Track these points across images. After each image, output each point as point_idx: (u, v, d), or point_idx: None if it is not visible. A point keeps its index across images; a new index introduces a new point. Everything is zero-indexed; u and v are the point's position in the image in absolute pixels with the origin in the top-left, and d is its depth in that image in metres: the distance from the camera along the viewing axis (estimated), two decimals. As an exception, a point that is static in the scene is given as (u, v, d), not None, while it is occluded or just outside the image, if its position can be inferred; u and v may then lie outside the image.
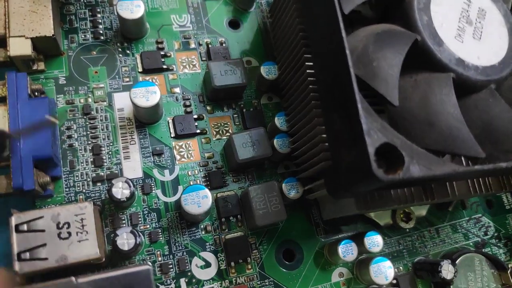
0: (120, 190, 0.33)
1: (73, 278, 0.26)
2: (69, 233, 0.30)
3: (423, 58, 0.31)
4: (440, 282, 0.39)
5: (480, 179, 0.35)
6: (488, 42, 0.32)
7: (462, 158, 0.33)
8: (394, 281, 0.40)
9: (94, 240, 0.31)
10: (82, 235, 0.31)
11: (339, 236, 0.41)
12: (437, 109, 0.30)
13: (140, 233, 0.35)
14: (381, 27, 0.31)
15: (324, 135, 0.32)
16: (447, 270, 0.38)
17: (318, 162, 0.34)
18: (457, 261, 0.40)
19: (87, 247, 0.30)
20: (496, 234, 0.45)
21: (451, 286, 0.39)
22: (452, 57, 0.31)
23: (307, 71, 0.34)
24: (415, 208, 0.42)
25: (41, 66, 0.39)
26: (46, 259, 0.29)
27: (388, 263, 0.38)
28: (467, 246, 0.44)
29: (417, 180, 0.27)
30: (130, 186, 0.34)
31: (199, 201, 0.34)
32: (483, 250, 0.44)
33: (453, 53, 0.31)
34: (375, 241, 0.38)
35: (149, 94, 0.36)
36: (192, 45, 0.44)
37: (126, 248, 0.32)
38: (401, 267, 0.41)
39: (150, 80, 0.41)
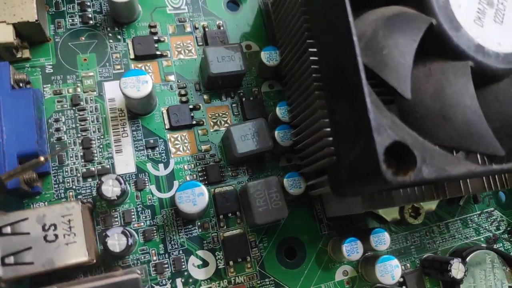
0: (111, 188, 0.31)
1: (54, 287, 0.24)
2: (56, 236, 0.29)
3: (438, 45, 0.28)
4: (450, 281, 0.37)
5: (496, 175, 0.33)
6: (511, 26, 0.29)
7: (478, 155, 0.31)
8: (401, 279, 0.38)
9: (82, 242, 0.29)
10: (70, 238, 0.29)
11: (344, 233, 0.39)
12: (453, 101, 0.27)
13: (132, 233, 0.33)
14: (392, 10, 0.28)
15: (328, 129, 0.30)
16: (457, 269, 0.36)
17: (321, 158, 0.31)
18: (467, 258, 0.38)
19: (75, 250, 0.29)
20: (508, 229, 0.43)
21: (461, 285, 0.37)
22: (470, 43, 0.28)
23: (310, 58, 0.32)
24: (424, 203, 0.40)
25: (26, 54, 0.36)
26: (31, 263, 0.28)
27: (395, 262, 0.36)
28: (478, 241, 0.42)
29: (431, 182, 0.25)
30: (121, 183, 0.32)
31: (195, 198, 0.32)
32: (495, 245, 0.42)
33: (472, 39, 0.28)
34: (381, 238, 0.36)
35: (140, 84, 0.34)
36: (188, 29, 0.41)
37: (117, 249, 0.30)
38: (408, 264, 0.40)
39: (143, 68, 0.38)
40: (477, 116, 0.27)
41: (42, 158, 0.28)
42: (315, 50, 0.31)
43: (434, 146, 0.26)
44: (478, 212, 0.43)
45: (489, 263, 0.39)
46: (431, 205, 0.40)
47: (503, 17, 0.29)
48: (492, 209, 0.43)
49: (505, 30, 0.29)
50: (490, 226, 0.42)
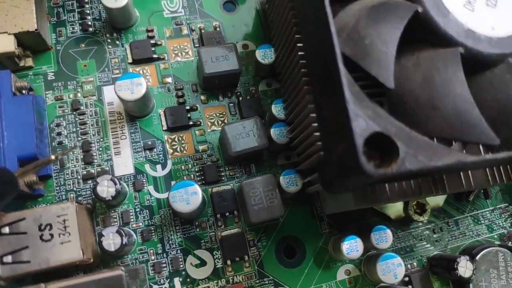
0: (106, 189, 0.32)
1: (42, 285, 0.25)
2: (52, 235, 0.29)
3: (425, 32, 0.27)
4: (458, 280, 0.35)
5: (501, 167, 0.31)
6: (505, 8, 0.28)
7: (478, 146, 0.29)
8: (406, 279, 0.37)
9: (77, 241, 0.30)
10: (65, 237, 0.30)
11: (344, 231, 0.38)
12: (442, 90, 0.26)
13: (129, 232, 0.34)
14: (376, 0, 0.28)
15: (316, 124, 0.29)
16: (464, 267, 0.34)
17: (312, 154, 0.31)
18: (477, 257, 0.36)
19: (70, 249, 0.29)
20: (525, 225, 0.41)
21: (471, 284, 0.35)
22: (460, 28, 0.27)
23: (299, 53, 0.31)
24: (430, 199, 0.38)
25: (29, 62, 0.38)
26: (28, 262, 0.29)
27: (397, 260, 0.35)
28: (491, 239, 0.40)
29: (416, 174, 0.24)
30: (115, 184, 0.32)
31: (188, 198, 0.33)
32: (510, 243, 0.39)
33: (462, 24, 0.27)
34: (383, 236, 0.35)
35: (134, 86, 0.34)
36: (185, 31, 0.41)
37: (112, 248, 0.31)
38: (414, 263, 0.38)
39: (140, 71, 0.39)
40: (468, 105, 0.25)
41: (52, 157, 0.30)
42: (302, 45, 0.31)
43: (423, 137, 0.25)
44: (491, 208, 0.41)
45: (502, 261, 0.37)
46: (438, 201, 0.39)
47: (497, 0, 0.28)
48: (506, 204, 0.41)
49: (498, 13, 0.28)
50: (504, 223, 0.40)
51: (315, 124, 0.29)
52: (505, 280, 0.36)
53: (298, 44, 0.31)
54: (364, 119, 0.23)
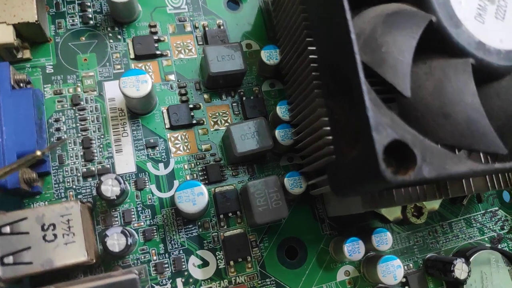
0: (110, 188, 0.31)
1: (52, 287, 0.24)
2: (55, 235, 0.29)
3: (438, 42, 0.28)
4: (453, 282, 0.36)
5: (500, 174, 0.32)
6: (512, 22, 0.29)
7: (481, 154, 0.30)
8: (404, 279, 0.38)
9: (81, 242, 0.29)
10: (69, 237, 0.29)
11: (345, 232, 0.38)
12: (454, 99, 0.27)
13: (132, 232, 0.33)
14: (392, 7, 0.28)
15: (327, 128, 0.29)
16: (460, 270, 0.35)
17: (321, 157, 0.31)
18: (471, 259, 0.37)
19: (74, 250, 0.29)
20: (513, 228, 0.42)
21: (464, 286, 0.37)
22: (471, 40, 0.27)
23: (310, 56, 0.31)
24: (427, 202, 0.39)
25: (27, 54, 0.36)
26: (30, 263, 0.28)
27: (397, 262, 0.35)
28: (482, 241, 0.41)
29: (432, 181, 0.24)
30: (120, 183, 0.32)
31: (194, 198, 0.32)
32: (499, 245, 0.41)
33: (473, 36, 0.27)
34: (383, 238, 0.36)
35: (139, 83, 0.33)
36: (188, 28, 0.41)
37: (116, 249, 0.30)
38: (411, 265, 0.39)
39: (143, 68, 0.38)
40: (478, 114, 0.26)
41: (38, 152, 0.27)
42: (314, 48, 0.31)
43: (435, 145, 0.26)
44: (482, 212, 0.42)
45: (494, 263, 0.38)
46: (434, 205, 0.40)
47: (505, 14, 0.29)
48: (496, 208, 0.43)
49: (506, 26, 0.29)
50: (494, 226, 0.42)
51: (327, 128, 0.30)
52: (497, 280, 0.38)
53: (309, 48, 0.31)
54: (383, 127, 0.23)
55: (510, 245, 0.42)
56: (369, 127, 0.23)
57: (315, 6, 0.30)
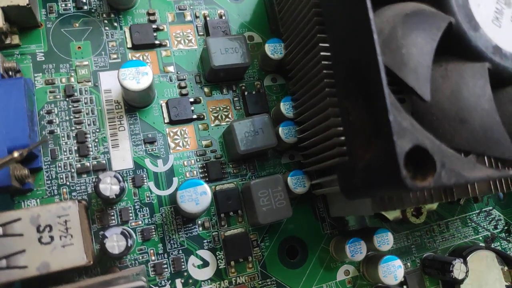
0: (109, 186, 0.30)
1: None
2: (52, 237, 0.27)
3: (456, 45, 0.27)
4: (450, 281, 0.37)
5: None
6: (527, 26, 0.29)
7: (486, 158, 0.30)
8: (402, 279, 0.38)
9: (80, 244, 0.27)
10: (67, 239, 0.27)
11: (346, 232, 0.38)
12: (470, 104, 0.26)
13: (131, 232, 0.32)
14: (410, 7, 0.27)
15: (340, 128, 0.29)
16: (459, 270, 0.36)
17: (330, 157, 0.31)
18: (467, 258, 0.38)
19: (72, 253, 0.27)
20: (506, 228, 0.43)
21: (461, 285, 0.37)
22: (488, 44, 0.27)
23: (321, 53, 0.30)
24: (426, 202, 0.39)
25: (16, 40, 0.34)
26: (25, 267, 0.26)
27: (397, 262, 0.35)
28: (476, 240, 0.42)
29: (450, 187, 0.24)
30: (119, 181, 0.30)
31: (197, 197, 0.31)
32: (492, 244, 0.42)
33: (490, 39, 0.27)
34: (385, 238, 0.36)
35: (140, 76, 0.32)
36: (188, 17, 0.39)
37: (116, 251, 0.29)
38: (409, 264, 0.39)
39: (140, 58, 0.36)
40: (494, 120, 0.26)
41: (16, 154, 0.26)
42: (326, 45, 0.30)
43: (451, 150, 0.25)
44: (477, 211, 0.43)
45: (488, 262, 0.39)
46: (432, 204, 0.40)
47: (521, 18, 0.29)
48: (490, 208, 0.43)
49: (522, 31, 0.28)
50: (488, 225, 0.43)
51: (338, 128, 0.29)
52: (492, 279, 0.38)
53: (321, 44, 0.30)
54: (405, 132, 0.23)
55: (503, 245, 0.42)
56: (391, 132, 0.22)
57: (331, 2, 0.29)
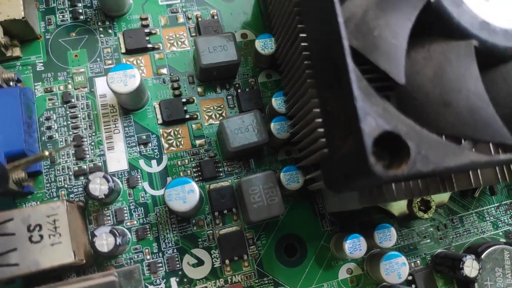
0: (98, 187, 0.31)
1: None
2: (41, 236, 0.28)
3: (437, 23, 0.25)
4: (463, 280, 0.34)
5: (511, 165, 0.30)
6: (521, -2, 0.26)
7: (490, 145, 0.28)
8: (410, 277, 0.36)
9: (68, 243, 0.28)
10: (55, 238, 0.28)
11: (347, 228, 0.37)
12: (455, 86, 0.24)
13: (123, 231, 0.32)
14: (386, -12, 0.26)
15: (320, 120, 0.28)
16: (470, 267, 0.33)
17: (315, 150, 0.30)
18: (482, 255, 0.35)
19: (61, 251, 0.28)
20: (531, 222, 0.40)
21: (476, 284, 0.34)
22: (474, 20, 0.25)
23: (301, 44, 0.30)
24: (435, 195, 0.37)
25: (17, 52, 0.36)
26: (17, 265, 0.27)
27: (401, 259, 0.33)
28: (496, 236, 0.39)
29: (427, 175, 0.23)
30: (108, 181, 0.31)
31: (185, 196, 0.31)
32: (515, 240, 0.39)
33: (476, 15, 0.25)
34: (387, 234, 0.34)
35: (127, 78, 0.32)
36: (181, 20, 0.39)
37: (105, 249, 0.30)
38: (418, 262, 0.37)
39: (134, 62, 0.37)
40: (482, 102, 0.24)
41: (46, 153, 0.29)
42: (305, 35, 0.29)
43: (434, 136, 0.24)
44: (496, 205, 0.40)
45: (508, 259, 0.36)
46: (443, 198, 0.37)
47: (513, -11, 0.26)
48: (511, 201, 0.40)
49: (515, 3, 0.26)
50: (509, 220, 0.39)
51: (319, 120, 0.28)
52: (511, 278, 0.35)
53: (301, 35, 0.30)
54: (373, 117, 0.21)
55: (527, 240, 0.39)
56: (357, 118, 0.21)
57: (304, -10, 0.28)
